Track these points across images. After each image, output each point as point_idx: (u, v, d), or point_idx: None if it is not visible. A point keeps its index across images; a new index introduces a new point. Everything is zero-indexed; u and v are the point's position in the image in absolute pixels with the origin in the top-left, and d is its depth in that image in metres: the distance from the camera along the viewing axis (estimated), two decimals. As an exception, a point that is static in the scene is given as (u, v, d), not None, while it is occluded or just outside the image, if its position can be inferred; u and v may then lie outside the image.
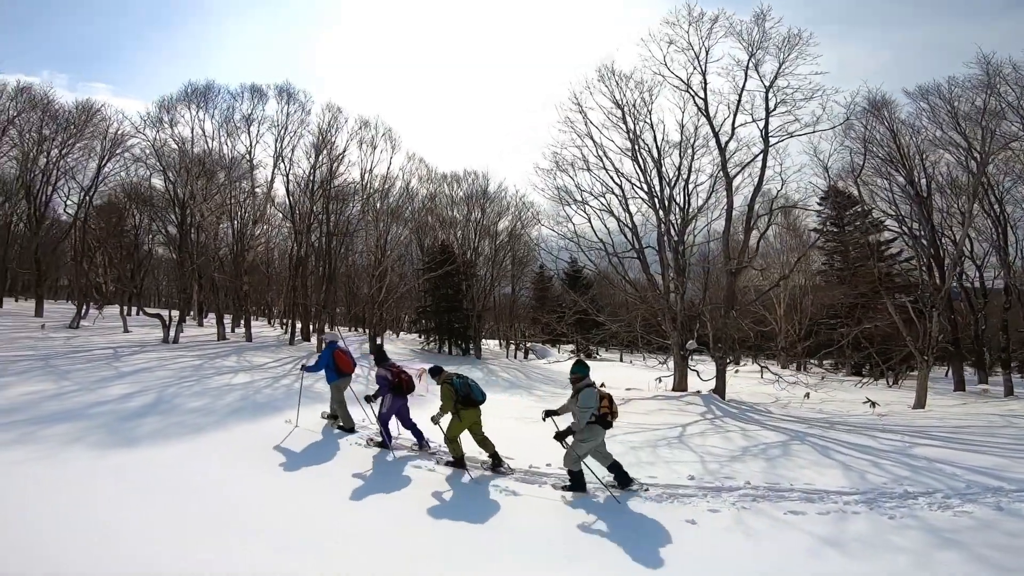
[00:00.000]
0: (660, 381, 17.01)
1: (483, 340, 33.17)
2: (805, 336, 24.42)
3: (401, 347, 28.15)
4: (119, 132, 22.23)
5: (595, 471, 5.83)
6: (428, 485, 5.78)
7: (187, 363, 13.06)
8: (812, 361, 28.14)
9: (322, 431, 7.72)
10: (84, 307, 20.52)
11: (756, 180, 15.84)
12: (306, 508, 4.89)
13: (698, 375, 16.36)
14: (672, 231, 16.94)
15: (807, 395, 15.63)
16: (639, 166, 17.02)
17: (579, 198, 17.58)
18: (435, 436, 6.91)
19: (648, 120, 16.99)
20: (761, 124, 15.49)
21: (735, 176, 16.15)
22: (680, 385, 16.01)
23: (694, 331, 16.86)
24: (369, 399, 7.37)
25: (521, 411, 10.70)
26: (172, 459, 5.73)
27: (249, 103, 21.71)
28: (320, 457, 6.58)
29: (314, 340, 21.39)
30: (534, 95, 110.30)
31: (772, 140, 15.49)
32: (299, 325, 22.55)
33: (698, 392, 14.68)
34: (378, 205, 23.62)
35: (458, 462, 6.33)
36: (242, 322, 22.09)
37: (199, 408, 8.21)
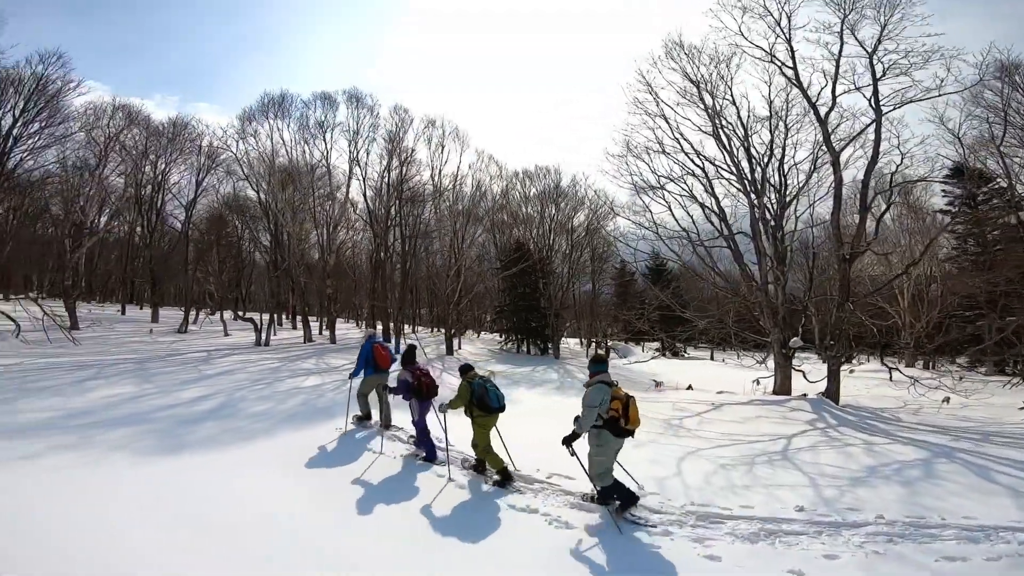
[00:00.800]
0: (758, 383, 15.19)
1: (563, 339, 32.38)
2: (936, 330, 20.96)
3: (480, 347, 28.10)
4: (211, 145, 24.09)
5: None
6: (436, 496, 5.30)
7: (267, 366, 13.54)
8: (945, 358, 24.23)
9: (368, 439, 7.28)
10: (194, 313, 22.40)
11: (869, 154, 13.58)
12: (293, 521, 4.45)
13: (804, 376, 14.38)
14: (768, 215, 15.09)
15: (946, 400, 13.17)
16: (723, 145, 15.31)
17: (655, 183, 16.18)
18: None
19: (729, 96, 15.22)
20: (868, 92, 13.26)
21: (841, 151, 13.97)
22: (783, 388, 14.13)
23: (797, 327, 14.84)
24: (387, 388, 7.46)
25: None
26: (202, 468, 5.52)
27: (321, 110, 22.61)
28: (347, 465, 6.13)
29: (394, 341, 21.79)
30: (603, 79, 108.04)
31: (884, 109, 13.18)
32: (379, 326, 23.14)
33: (804, 396, 12.79)
34: (450, 204, 23.62)
35: (480, 465, 6.01)
36: (326, 325, 22.99)
37: (258, 413, 8.21)
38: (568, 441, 4.89)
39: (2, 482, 4.68)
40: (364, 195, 23.13)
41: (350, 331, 28.10)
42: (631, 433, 4.95)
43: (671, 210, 16.02)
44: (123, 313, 26.09)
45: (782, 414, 10.76)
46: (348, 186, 22.78)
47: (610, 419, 4.79)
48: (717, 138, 15.30)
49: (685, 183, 15.91)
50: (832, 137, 13.84)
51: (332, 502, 5.02)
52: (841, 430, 9.18)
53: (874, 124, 13.34)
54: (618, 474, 5.13)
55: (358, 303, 33.25)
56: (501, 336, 29.89)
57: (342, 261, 25.82)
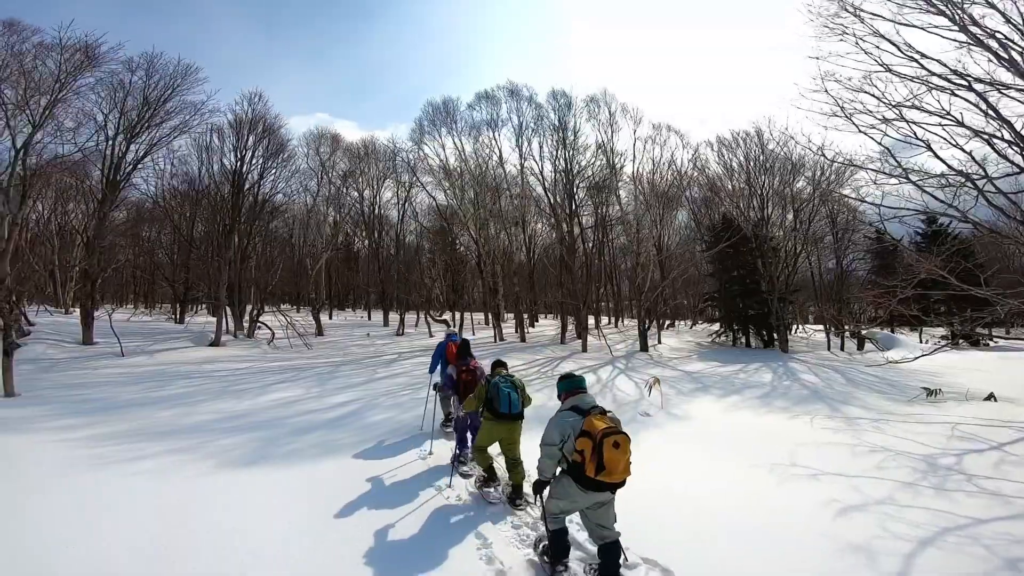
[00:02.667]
0: None
1: (798, 329, 26.44)
2: None
3: (687, 340, 24.75)
4: (394, 157, 26.15)
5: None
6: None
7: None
8: None
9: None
10: (415, 316, 25.14)
11: None
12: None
13: None
14: None
15: None
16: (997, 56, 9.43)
17: (894, 115, 10.96)
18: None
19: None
20: None
21: None
22: None
23: None
24: (435, 386, 7.31)
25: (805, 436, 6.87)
26: (214, 491, 5.05)
27: (486, 110, 22.61)
28: (382, 507, 4.93)
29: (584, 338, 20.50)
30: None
31: None
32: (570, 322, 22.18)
33: None
34: (633, 184, 21.14)
35: (488, 475, 5.31)
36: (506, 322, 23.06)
37: (372, 423, 7.90)
38: (537, 490, 3.65)
39: (85, 482, 5.03)
40: (545, 188, 22.43)
41: (546, 329, 27.94)
42: (611, 488, 3.33)
43: (930, 149, 10.72)
44: (368, 318, 31.22)
45: None
46: (523, 180, 22.44)
47: (574, 463, 3.27)
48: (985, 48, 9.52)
49: (948, 113, 10.44)
50: None
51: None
52: None
53: None
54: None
55: (544, 300, 32.99)
56: (720, 327, 25.83)
57: (534, 258, 25.71)
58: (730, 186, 24.01)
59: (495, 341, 21.24)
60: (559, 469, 3.52)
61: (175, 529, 4.28)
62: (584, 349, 19.30)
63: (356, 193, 26.39)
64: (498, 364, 5.81)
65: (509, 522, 4.60)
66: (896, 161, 11.05)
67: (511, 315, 24.98)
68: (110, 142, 14.65)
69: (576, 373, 3.90)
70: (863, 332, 22.77)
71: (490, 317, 22.52)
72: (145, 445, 6.58)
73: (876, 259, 26.87)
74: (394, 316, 26.57)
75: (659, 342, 22.56)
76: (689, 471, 5.81)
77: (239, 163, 18.24)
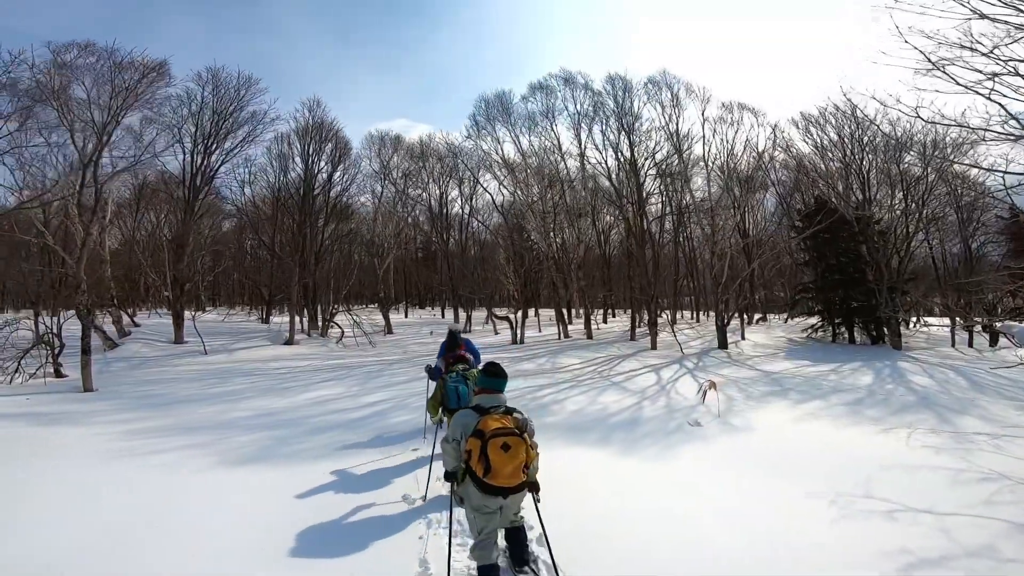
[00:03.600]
0: None
1: (917, 320, 22.85)
2: None
3: (777, 336, 22.23)
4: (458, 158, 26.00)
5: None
6: None
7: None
8: None
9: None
10: (484, 312, 24.99)
11: None
12: None
13: None
14: None
15: None
16: None
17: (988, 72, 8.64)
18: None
19: None
20: None
21: None
22: None
23: None
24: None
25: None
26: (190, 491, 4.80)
27: (541, 101, 21.67)
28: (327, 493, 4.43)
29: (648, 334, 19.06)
30: None
31: None
32: (640, 318, 20.77)
33: None
34: (706, 167, 19.29)
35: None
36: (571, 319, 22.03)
37: (392, 425, 7.57)
38: (447, 479, 3.41)
39: (97, 473, 5.11)
40: (610, 177, 21.19)
41: (618, 325, 26.56)
42: (503, 492, 3.08)
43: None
44: (442, 316, 31.67)
45: None
46: (583, 171, 21.32)
47: (467, 463, 3.13)
48: None
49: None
50: None
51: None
52: None
53: None
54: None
55: (610, 295, 31.34)
56: (819, 320, 22.96)
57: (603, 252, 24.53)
58: (822, 166, 21.23)
59: (559, 338, 20.44)
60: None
61: (134, 520, 4.23)
62: (653, 346, 17.93)
63: (422, 192, 26.82)
64: (457, 360, 5.53)
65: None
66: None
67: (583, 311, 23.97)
68: (188, 155, 16.02)
69: (500, 369, 3.45)
70: (996, 325, 18.99)
71: (559, 313, 21.66)
72: (170, 440, 6.73)
73: (1013, 241, 22.47)
74: (464, 314, 26.62)
75: (742, 338, 20.45)
76: (721, 497, 4.78)
77: (306, 168, 19.14)
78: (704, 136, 20.02)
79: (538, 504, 3.35)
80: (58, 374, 11.87)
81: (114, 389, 10.58)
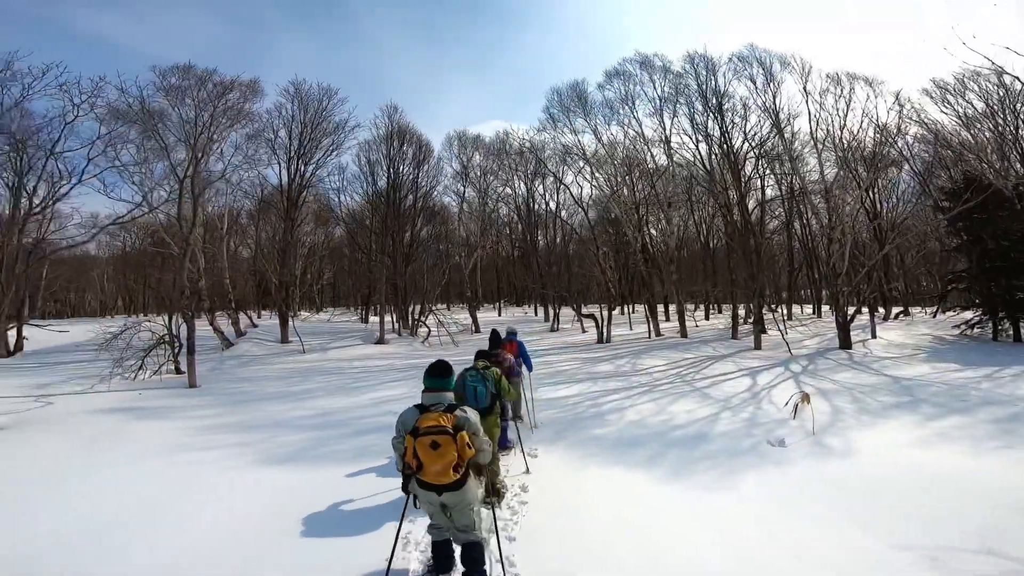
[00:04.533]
0: None
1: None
2: None
3: (920, 333, 18.67)
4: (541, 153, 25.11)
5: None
6: None
7: (561, 368, 12.74)
8: None
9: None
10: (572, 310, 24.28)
11: None
12: None
13: None
14: None
15: None
16: None
17: None
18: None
19: None
20: None
21: None
22: None
23: None
24: None
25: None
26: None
27: (619, 88, 20.12)
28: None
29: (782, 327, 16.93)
30: None
31: None
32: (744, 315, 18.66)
33: None
34: (815, 147, 16.67)
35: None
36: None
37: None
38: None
39: (149, 465, 5.47)
40: (702, 162, 19.25)
41: (718, 322, 24.22)
42: (435, 489, 3.12)
43: None
44: (536, 314, 31.38)
45: None
46: (670, 158, 19.54)
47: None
48: None
49: None
50: None
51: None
52: None
53: None
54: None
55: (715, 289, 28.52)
56: (977, 314, 18.95)
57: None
58: (969, 137, 17.48)
59: (649, 337, 19.05)
60: None
61: (142, 510, 4.54)
62: (756, 346, 15.93)
63: (503, 188, 26.66)
64: (479, 355, 5.58)
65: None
66: None
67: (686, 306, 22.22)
68: (283, 165, 17.54)
69: (442, 368, 3.43)
70: None
71: (650, 310, 20.23)
72: (226, 437, 7.11)
73: None
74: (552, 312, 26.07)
75: (872, 336, 17.47)
76: (761, 545, 3.75)
77: (389, 172, 19.93)
78: (809, 112, 17.26)
79: (495, 510, 3.39)
80: (178, 371, 13.38)
81: (214, 386, 11.63)
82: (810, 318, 25.48)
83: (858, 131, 17.45)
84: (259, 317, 24.38)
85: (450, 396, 3.35)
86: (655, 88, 19.42)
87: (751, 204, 19.17)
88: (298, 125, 17.80)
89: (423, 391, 3.38)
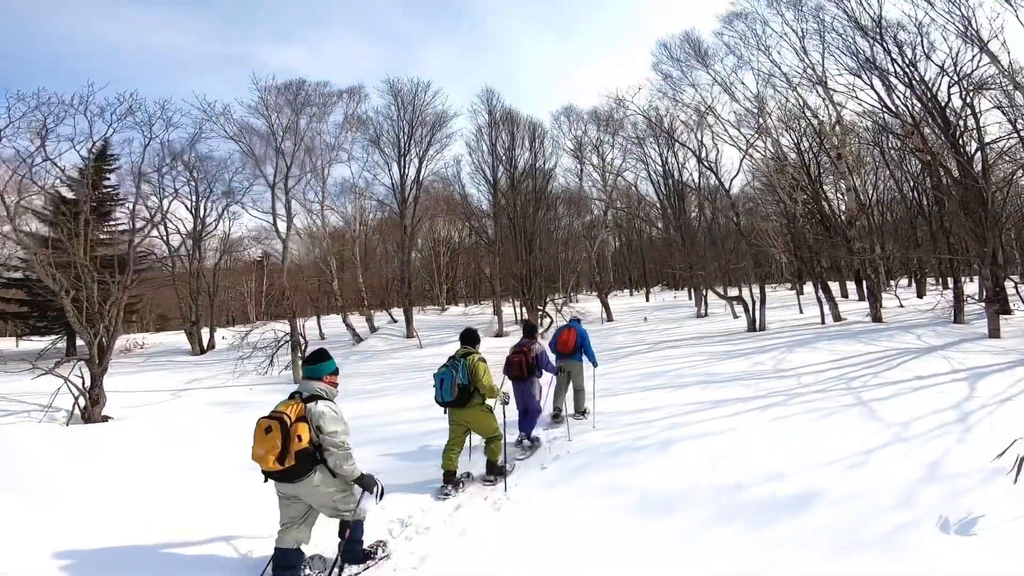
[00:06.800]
0: None
1: None
2: None
3: None
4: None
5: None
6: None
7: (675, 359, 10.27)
8: None
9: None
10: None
11: None
12: None
13: None
14: None
15: None
16: None
17: None
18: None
19: None
20: None
21: None
22: None
23: None
24: None
25: None
26: None
27: (743, 33, 15.82)
28: None
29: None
30: None
31: None
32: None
33: None
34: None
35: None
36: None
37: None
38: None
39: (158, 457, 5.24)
40: (882, 101, 14.13)
41: (915, 306, 18.01)
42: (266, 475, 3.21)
43: None
44: (689, 298, 27.85)
45: None
46: (830, 103, 14.68)
47: None
48: None
49: None
50: None
51: None
52: None
53: None
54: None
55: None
56: None
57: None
58: None
59: (822, 322, 14.84)
60: None
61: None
62: (993, 334, 10.95)
63: (636, 162, 23.57)
64: (463, 341, 5.43)
65: None
66: None
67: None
68: (392, 163, 17.98)
69: (317, 356, 3.57)
70: None
71: (822, 289, 15.85)
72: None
73: None
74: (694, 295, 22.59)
75: (995, 328, 11.02)
76: None
77: (493, 158, 18.97)
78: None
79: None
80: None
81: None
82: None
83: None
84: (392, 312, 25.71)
85: (317, 385, 3.34)
86: (794, 23, 15.01)
87: (972, 147, 13.37)
88: (402, 124, 18.09)
89: (303, 377, 3.43)
